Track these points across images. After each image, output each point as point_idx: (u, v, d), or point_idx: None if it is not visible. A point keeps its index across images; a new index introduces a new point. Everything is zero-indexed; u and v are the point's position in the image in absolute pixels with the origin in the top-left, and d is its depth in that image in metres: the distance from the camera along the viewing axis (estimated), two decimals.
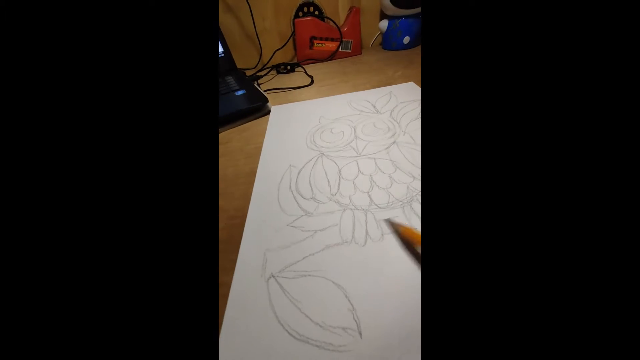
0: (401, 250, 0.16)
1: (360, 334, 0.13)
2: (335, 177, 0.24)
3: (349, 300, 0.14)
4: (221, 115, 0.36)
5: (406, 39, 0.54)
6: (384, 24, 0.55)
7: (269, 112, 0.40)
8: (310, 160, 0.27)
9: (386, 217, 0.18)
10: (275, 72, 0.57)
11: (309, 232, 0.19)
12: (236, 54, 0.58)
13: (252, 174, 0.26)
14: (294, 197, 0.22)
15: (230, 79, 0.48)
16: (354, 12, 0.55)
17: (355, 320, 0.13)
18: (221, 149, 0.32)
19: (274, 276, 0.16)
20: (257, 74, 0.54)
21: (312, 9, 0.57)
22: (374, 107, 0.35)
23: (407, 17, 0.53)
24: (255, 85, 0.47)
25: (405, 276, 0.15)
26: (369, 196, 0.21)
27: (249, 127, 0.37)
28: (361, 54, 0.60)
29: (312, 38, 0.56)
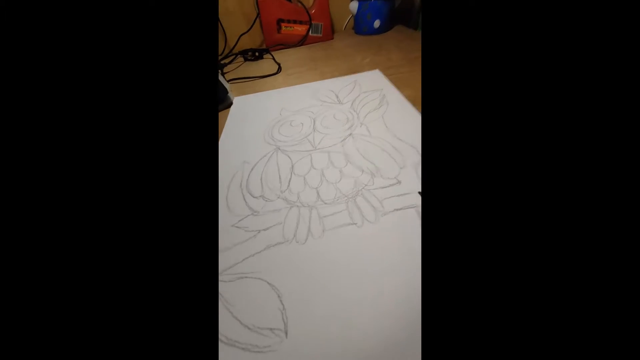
0: (340, 246, 0.17)
1: (286, 333, 0.13)
2: (287, 173, 0.23)
3: (281, 300, 0.14)
4: None
5: (376, 23, 0.52)
6: (354, 5, 0.52)
7: (230, 104, 0.38)
8: (265, 155, 0.26)
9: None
10: (242, 59, 0.53)
11: (253, 232, 0.19)
12: None
13: None
14: (243, 196, 0.22)
15: None
16: None
17: (284, 320, 0.14)
18: None
19: None
20: (222, 62, 0.50)
21: None
22: (337, 97, 0.34)
23: None
24: (219, 74, 0.44)
25: (341, 273, 0.15)
26: (317, 192, 0.21)
27: None
28: (333, 38, 0.57)
29: (280, 20, 0.52)
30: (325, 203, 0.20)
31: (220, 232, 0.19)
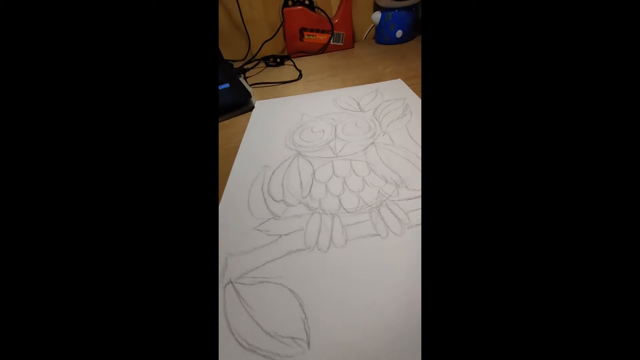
0: (363, 257, 0.16)
1: (309, 344, 0.13)
2: (309, 179, 0.23)
3: (303, 309, 0.14)
4: None
5: (399, 33, 0.52)
6: (377, 16, 0.53)
7: (252, 107, 0.39)
8: (286, 160, 0.26)
9: (354, 224, 0.18)
10: (264, 64, 0.55)
11: (274, 236, 0.19)
12: (224, 44, 0.56)
13: (226, 175, 0.26)
14: (264, 200, 0.22)
15: None
16: (346, 2, 0.52)
17: (306, 330, 0.13)
18: None
19: (232, 282, 0.16)
20: (245, 67, 0.52)
21: None
22: (359, 104, 0.34)
23: (400, 9, 0.50)
24: (242, 78, 0.46)
25: (364, 285, 0.15)
26: (339, 200, 0.21)
27: (230, 124, 0.36)
28: (353, 47, 0.58)
29: (302, 29, 0.54)
30: (348, 212, 0.19)
31: (241, 235, 0.19)
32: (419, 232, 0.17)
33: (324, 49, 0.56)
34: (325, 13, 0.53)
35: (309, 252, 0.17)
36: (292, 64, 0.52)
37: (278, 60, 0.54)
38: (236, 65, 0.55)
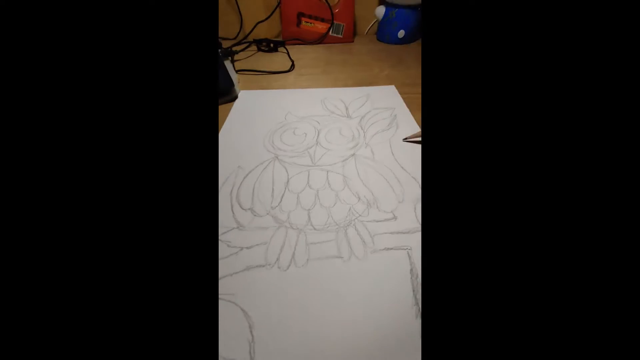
0: (322, 279, 0.16)
1: None
2: (281, 188, 0.22)
3: (251, 331, 0.14)
4: None
5: (401, 33, 0.50)
6: (381, 11, 0.50)
7: (235, 97, 0.36)
8: (262, 163, 0.25)
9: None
10: (255, 48, 0.51)
11: (235, 248, 0.18)
12: None
13: None
14: (231, 206, 0.21)
15: None
16: None
17: (250, 354, 0.13)
18: None
19: None
20: (233, 48, 0.48)
21: None
22: (347, 109, 0.33)
23: (405, 7, 0.48)
24: (228, 62, 0.42)
25: (318, 309, 0.15)
26: (309, 214, 0.20)
27: None
28: (353, 41, 0.55)
29: (300, 14, 0.50)
30: (315, 229, 0.19)
31: None
32: (381, 257, 0.17)
33: (321, 40, 0.53)
34: (326, 1, 0.49)
35: (268, 269, 0.17)
36: (285, 51, 0.49)
37: (271, 45, 0.50)
38: (225, 44, 0.50)
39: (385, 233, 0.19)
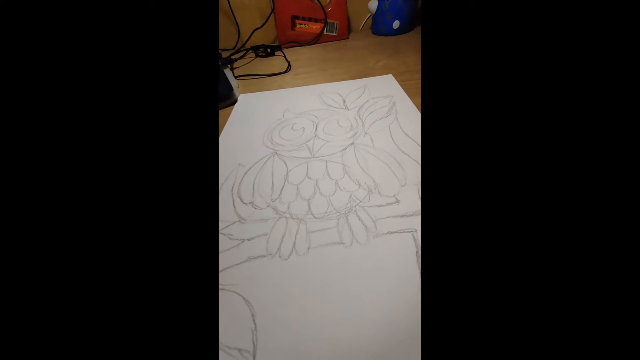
0: (324, 266, 0.16)
1: (254, 356, 0.12)
2: (281, 181, 0.22)
3: (254, 320, 0.14)
4: None
5: (396, 24, 0.49)
6: (374, 5, 0.50)
7: (235, 101, 0.37)
8: (262, 159, 0.25)
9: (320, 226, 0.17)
10: (253, 54, 0.53)
11: (237, 240, 0.18)
12: None
13: None
14: (233, 201, 0.21)
15: None
16: None
17: (253, 342, 0.13)
18: None
19: None
20: (232, 57, 0.50)
21: None
22: (344, 101, 0.33)
23: None
24: (228, 69, 0.44)
25: (319, 297, 0.14)
26: (309, 204, 0.20)
27: None
28: (348, 38, 0.55)
29: (294, 17, 0.51)
30: (315, 217, 0.19)
31: None
32: (384, 242, 0.17)
33: (316, 39, 0.54)
34: (318, 0, 0.50)
35: (270, 259, 0.17)
36: (282, 54, 0.50)
37: (268, 50, 0.52)
38: (225, 55, 0.53)
39: (388, 217, 0.18)
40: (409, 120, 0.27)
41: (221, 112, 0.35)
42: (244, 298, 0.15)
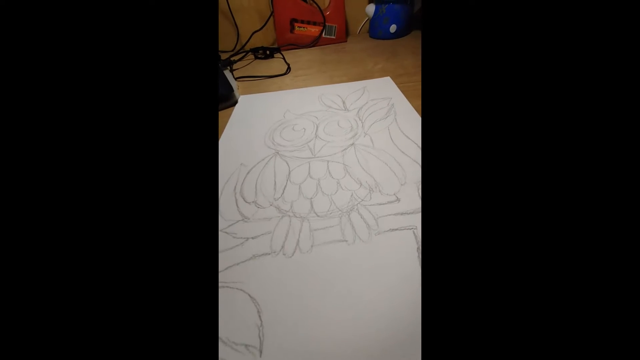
0: (327, 264, 0.16)
1: (261, 352, 0.13)
2: (283, 180, 0.23)
3: (260, 316, 0.14)
4: None
5: (393, 28, 0.51)
6: (371, 9, 0.51)
7: (235, 102, 0.37)
8: (264, 159, 0.25)
9: (322, 226, 0.18)
10: (253, 56, 0.53)
11: (241, 239, 0.18)
12: None
13: None
14: (236, 201, 0.21)
15: None
16: None
17: (260, 338, 0.13)
18: None
19: None
20: (232, 59, 0.50)
21: None
22: (344, 103, 0.33)
23: (394, 2, 0.49)
24: (227, 71, 0.44)
25: (323, 294, 0.15)
26: (311, 203, 0.20)
27: None
28: (346, 41, 0.56)
29: (293, 20, 0.52)
30: (318, 216, 0.19)
31: None
32: (386, 239, 0.17)
33: (315, 42, 0.54)
34: (317, 4, 0.51)
35: (274, 257, 0.17)
36: (281, 57, 0.51)
37: (267, 52, 0.52)
38: (224, 56, 0.53)
39: (389, 215, 0.18)
40: (407, 121, 0.28)
41: (222, 113, 0.35)
42: (249, 295, 0.15)
